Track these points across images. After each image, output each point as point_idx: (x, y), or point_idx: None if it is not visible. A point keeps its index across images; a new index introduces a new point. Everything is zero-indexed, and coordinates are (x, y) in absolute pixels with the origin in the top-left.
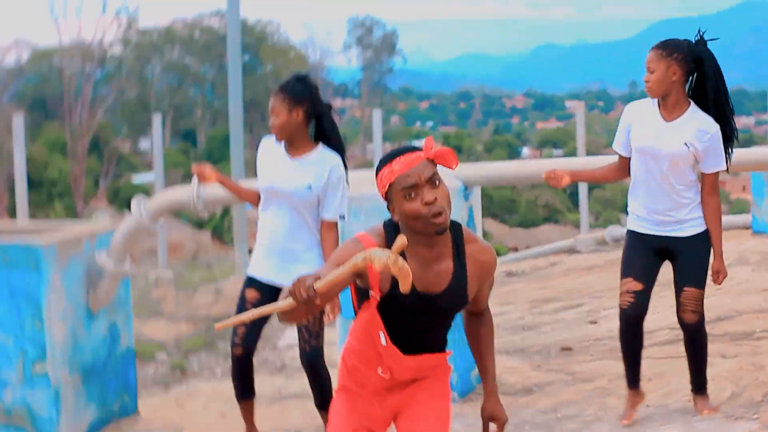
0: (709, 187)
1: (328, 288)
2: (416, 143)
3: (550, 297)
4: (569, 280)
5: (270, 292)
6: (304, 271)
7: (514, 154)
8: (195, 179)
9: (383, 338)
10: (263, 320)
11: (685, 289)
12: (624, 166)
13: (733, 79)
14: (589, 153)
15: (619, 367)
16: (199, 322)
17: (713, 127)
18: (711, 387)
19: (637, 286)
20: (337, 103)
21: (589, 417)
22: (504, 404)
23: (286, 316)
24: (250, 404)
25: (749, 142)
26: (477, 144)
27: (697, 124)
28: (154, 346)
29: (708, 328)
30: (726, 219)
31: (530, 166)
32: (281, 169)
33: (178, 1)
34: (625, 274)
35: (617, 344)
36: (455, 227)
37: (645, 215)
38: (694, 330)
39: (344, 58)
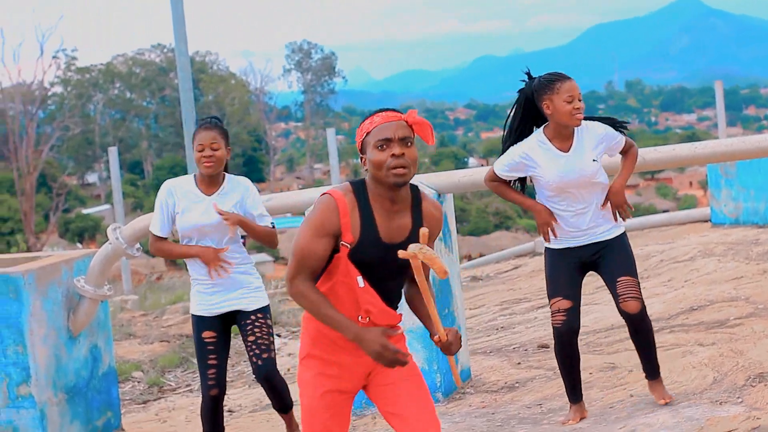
0: (633, 152)
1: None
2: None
3: (519, 298)
4: (535, 281)
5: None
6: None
7: (461, 164)
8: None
9: (361, 281)
10: (227, 359)
11: (621, 278)
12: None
13: (671, 78)
14: None
15: (598, 360)
16: (172, 341)
17: (598, 128)
18: (693, 374)
19: (567, 304)
20: (281, 126)
21: None
22: (488, 402)
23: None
24: None
25: (693, 138)
26: (424, 157)
27: (588, 138)
28: (130, 365)
29: (682, 318)
30: (685, 213)
31: None
32: (199, 207)
33: (117, 38)
34: (553, 293)
35: (594, 339)
36: (413, 187)
37: (568, 236)
38: (638, 319)
39: (285, 83)
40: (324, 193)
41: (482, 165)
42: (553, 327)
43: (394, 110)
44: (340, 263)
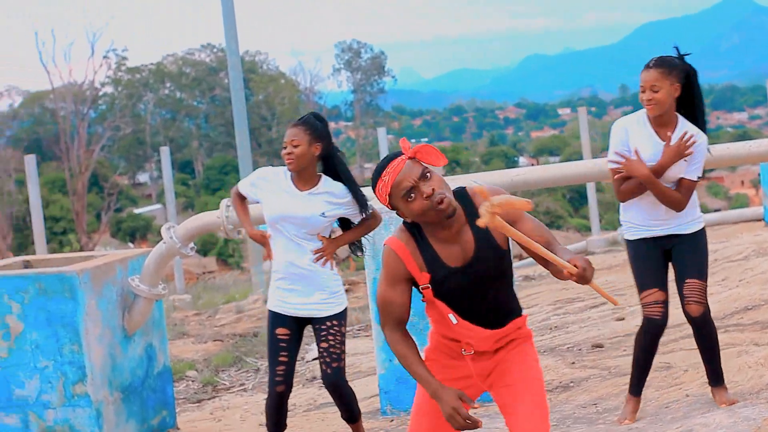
0: (685, 191)
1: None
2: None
3: (572, 297)
4: None
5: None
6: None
7: (511, 164)
8: (224, 202)
9: (453, 318)
10: (296, 357)
11: (688, 281)
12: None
13: (722, 76)
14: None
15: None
16: (226, 340)
17: (702, 137)
18: (749, 374)
19: (662, 296)
20: (330, 125)
21: None
22: None
23: None
24: None
25: (744, 137)
26: (474, 156)
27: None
28: (184, 364)
29: (737, 317)
30: (737, 212)
31: (553, 169)
32: (292, 199)
33: (167, 38)
34: (646, 285)
35: None
36: (460, 194)
37: (646, 224)
38: (701, 322)
39: (334, 82)
40: (385, 243)
41: (532, 164)
42: (649, 318)
43: (393, 157)
44: (429, 305)
